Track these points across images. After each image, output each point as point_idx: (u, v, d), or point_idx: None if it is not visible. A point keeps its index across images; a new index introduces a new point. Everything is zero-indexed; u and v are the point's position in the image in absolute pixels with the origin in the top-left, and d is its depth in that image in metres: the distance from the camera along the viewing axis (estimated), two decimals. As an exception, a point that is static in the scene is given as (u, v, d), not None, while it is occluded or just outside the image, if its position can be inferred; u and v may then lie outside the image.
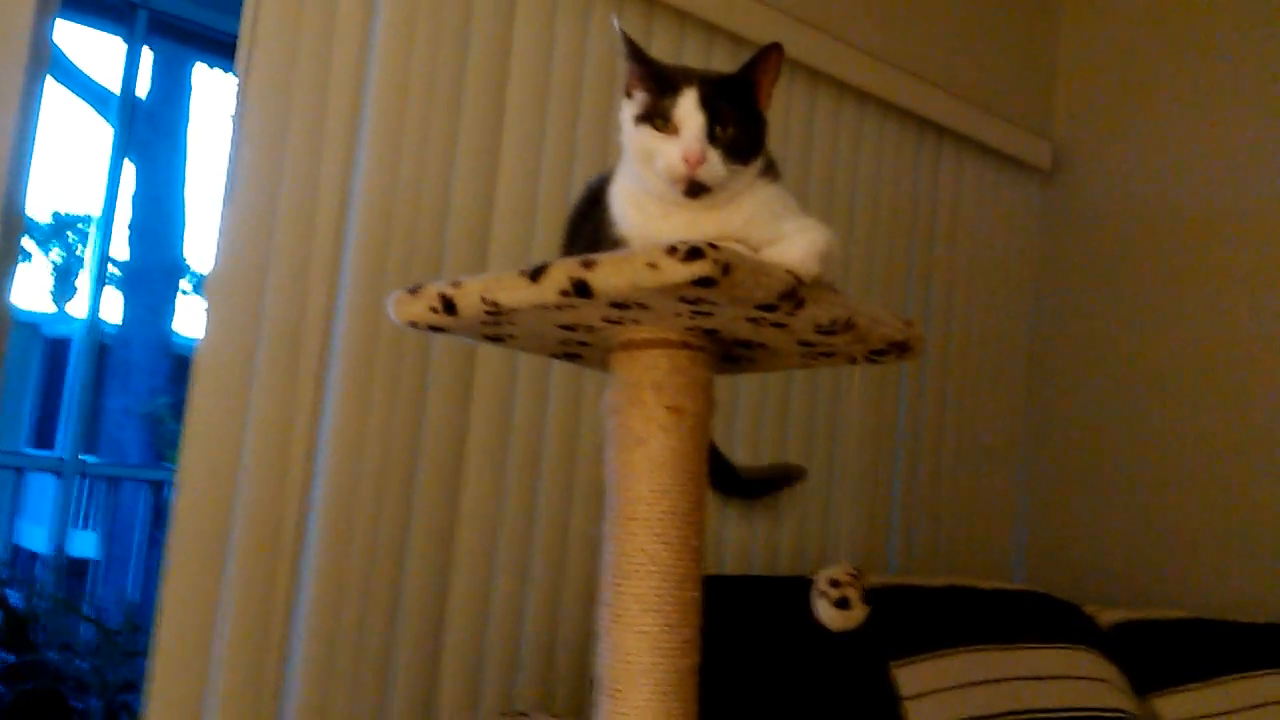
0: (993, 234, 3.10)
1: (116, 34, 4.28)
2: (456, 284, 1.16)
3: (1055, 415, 3.14)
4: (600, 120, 2.18)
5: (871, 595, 1.23)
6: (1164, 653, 2.30)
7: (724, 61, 2.41)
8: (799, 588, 1.86)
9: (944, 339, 2.93)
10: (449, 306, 1.16)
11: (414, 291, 1.20)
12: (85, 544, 5.99)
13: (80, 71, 6.91)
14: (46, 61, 1.77)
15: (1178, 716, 2.16)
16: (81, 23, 4.42)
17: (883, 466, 2.75)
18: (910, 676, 1.87)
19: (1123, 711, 2.09)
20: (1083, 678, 2.08)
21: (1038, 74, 3.30)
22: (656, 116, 1.07)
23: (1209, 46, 3.01)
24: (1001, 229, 3.13)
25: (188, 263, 7.38)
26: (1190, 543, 2.81)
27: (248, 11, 1.83)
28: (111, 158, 4.30)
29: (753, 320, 1.12)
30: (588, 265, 1.04)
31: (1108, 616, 2.35)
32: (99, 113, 6.93)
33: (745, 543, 2.41)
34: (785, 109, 2.55)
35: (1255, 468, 2.75)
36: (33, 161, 1.75)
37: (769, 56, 1.10)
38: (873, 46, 2.75)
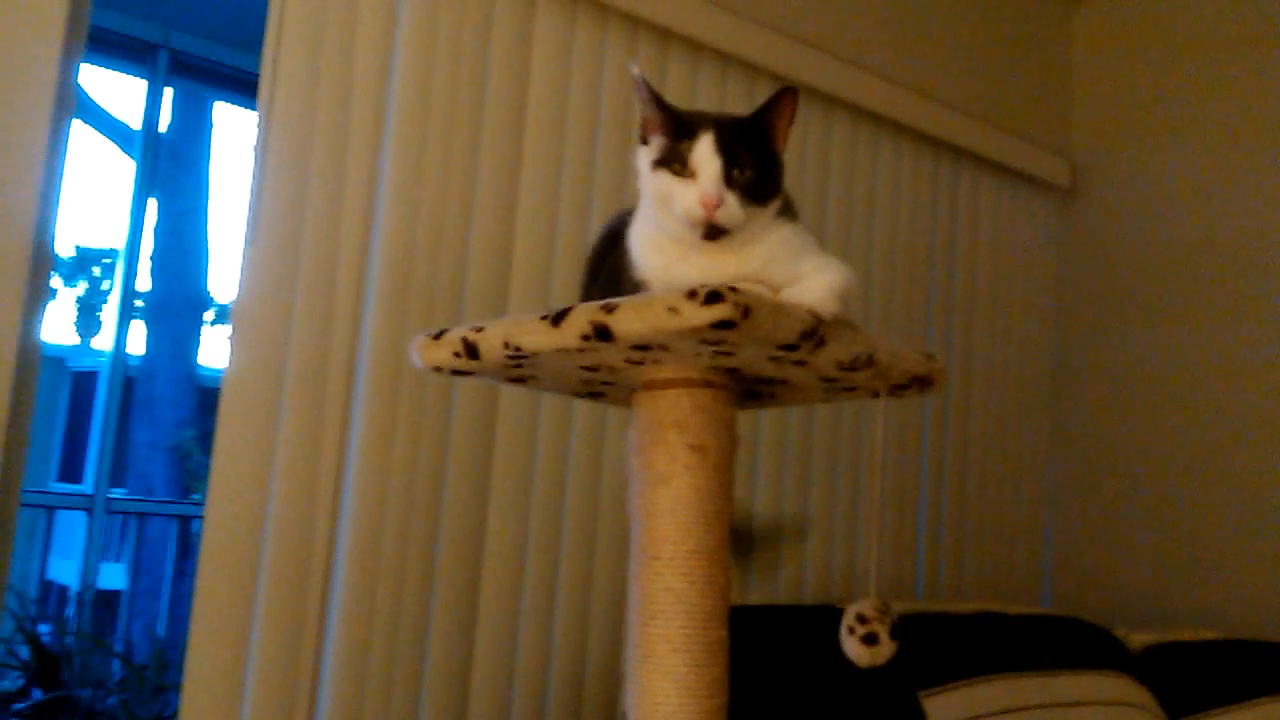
0: (1013, 254, 3.09)
1: (138, 75, 4.33)
2: (478, 329, 1.17)
3: (1080, 437, 3.12)
4: (616, 161, 2.19)
5: (900, 628, 1.23)
6: (1196, 675, 2.28)
7: (738, 89, 2.42)
8: (826, 617, 1.86)
9: (966, 362, 2.92)
10: (471, 351, 1.17)
11: (437, 337, 1.21)
12: (114, 577, 6.02)
13: (103, 110, 6.99)
14: (73, 105, 1.79)
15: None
16: (104, 65, 4.48)
17: (908, 493, 2.74)
18: (940, 706, 1.86)
19: (1156, 736, 2.08)
20: (1114, 703, 2.07)
21: (1054, 92, 3.30)
22: (674, 161, 1.08)
23: (1228, 61, 3.00)
24: (1021, 249, 3.12)
25: (211, 296, 7.44)
26: (1219, 563, 2.79)
27: (269, 50, 1.85)
28: (134, 193, 4.34)
29: (774, 359, 1.12)
30: (608, 310, 1.05)
31: (1138, 639, 2.33)
32: (122, 149, 7.00)
33: (771, 571, 2.41)
34: (802, 135, 2.56)
35: (1284, 486, 2.73)
36: (60, 201, 1.78)
37: (784, 99, 1.11)
38: (887, 69, 2.76)
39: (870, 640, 1.21)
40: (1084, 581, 3.01)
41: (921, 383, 1.23)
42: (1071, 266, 3.21)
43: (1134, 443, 3.01)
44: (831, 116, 2.65)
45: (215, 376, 1.84)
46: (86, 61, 1.89)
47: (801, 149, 2.56)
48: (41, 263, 1.73)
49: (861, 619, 1.21)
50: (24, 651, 3.56)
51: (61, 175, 1.78)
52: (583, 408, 2.11)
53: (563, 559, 2.10)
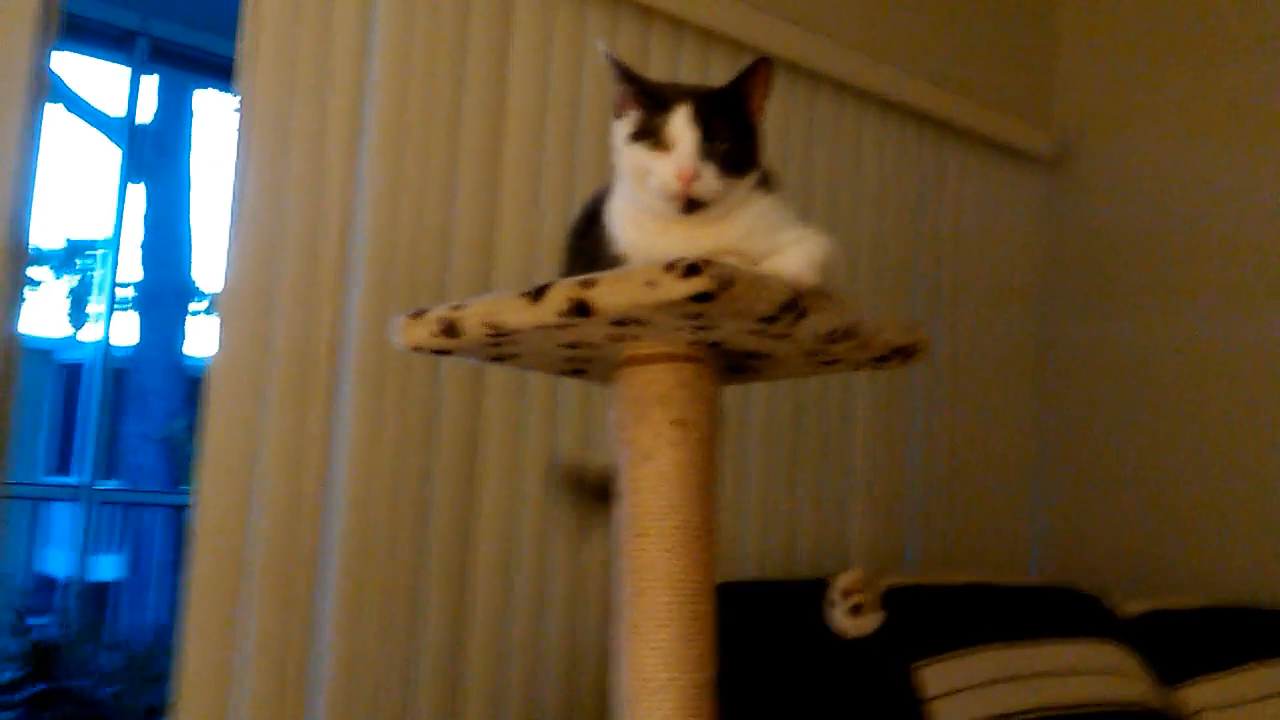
0: (998, 227, 3.08)
1: (119, 62, 4.30)
2: (458, 307, 1.16)
3: (1067, 407, 3.12)
4: (598, 137, 2.17)
5: (889, 598, 1.23)
6: (1187, 642, 2.28)
7: (721, 68, 2.41)
8: (816, 591, 1.86)
9: (953, 334, 2.92)
10: (451, 330, 1.16)
11: (416, 316, 1.20)
12: (107, 567, 6.02)
13: (84, 100, 6.95)
14: (46, 91, 1.78)
15: (1203, 705, 2.15)
16: (84, 52, 4.45)
17: (896, 464, 2.75)
18: (932, 677, 1.86)
19: (1148, 704, 2.08)
20: (1106, 671, 2.08)
21: (1036, 63, 3.29)
22: (649, 134, 1.07)
23: (1216, 30, 2.99)
24: (1006, 221, 3.11)
25: (198, 285, 7.42)
26: (1208, 530, 2.80)
27: (245, 35, 1.84)
28: (119, 182, 4.32)
29: (755, 332, 1.12)
30: (587, 285, 1.04)
31: (1129, 607, 2.34)
32: (109, 138, 6.97)
33: (762, 545, 2.41)
34: (785, 112, 2.55)
35: (1272, 453, 2.74)
36: (37, 189, 1.76)
37: (758, 69, 1.10)
38: (869, 43, 2.75)
39: (856, 611, 1.21)
40: (1074, 550, 3.02)
41: (905, 353, 1.23)
42: (1057, 239, 3.21)
43: (1121, 413, 3.01)
44: (815, 92, 2.64)
45: (204, 366, 1.83)
46: (66, 50, 1.88)
47: (785, 125, 2.55)
48: (18, 252, 1.71)
49: (846, 592, 1.21)
50: (18, 644, 3.56)
51: (36, 163, 1.76)
52: (569, 386, 2.11)
53: (553, 536, 2.09)
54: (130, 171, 4.96)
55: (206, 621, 1.76)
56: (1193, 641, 2.29)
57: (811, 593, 1.77)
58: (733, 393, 2.29)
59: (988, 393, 2.99)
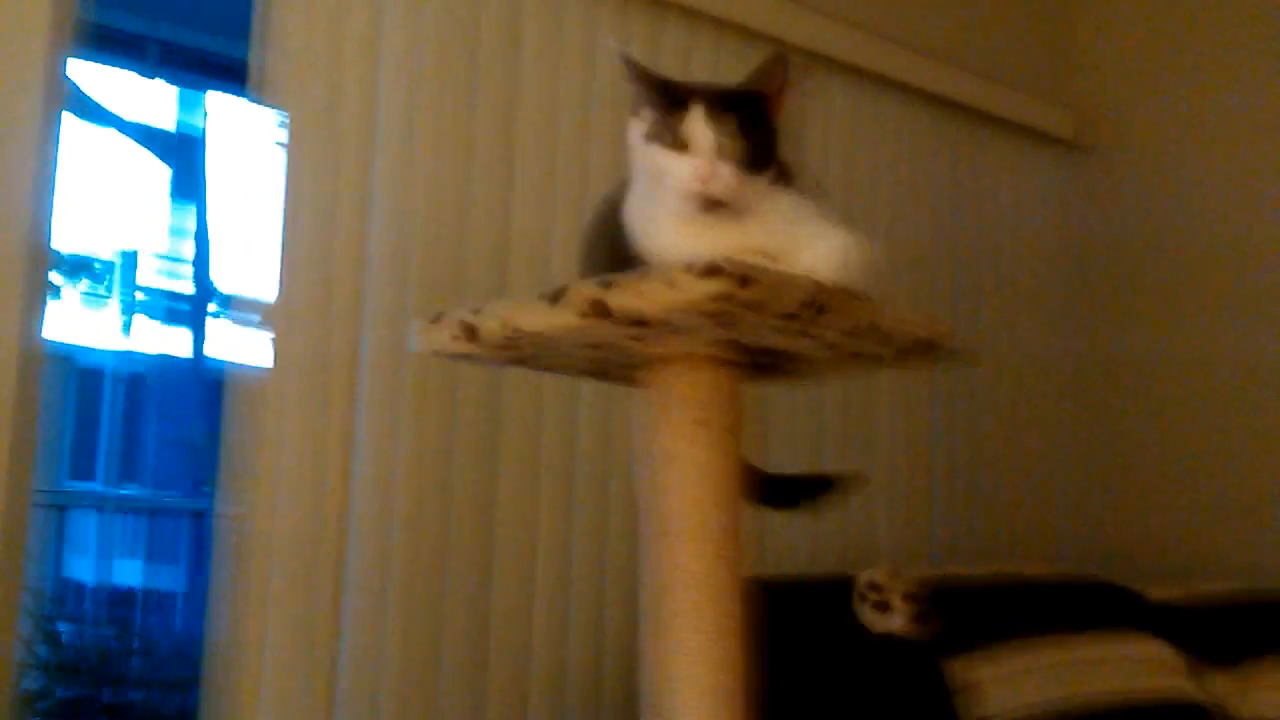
0: (1023, 214, 3.04)
1: (130, 68, 4.31)
2: (476, 311, 1.15)
3: (1098, 397, 3.09)
4: (612, 136, 2.16)
5: (914, 594, 1.22)
6: (1220, 629, 2.26)
7: (736, 59, 2.39)
8: (846, 586, 1.85)
9: (979, 324, 2.88)
10: (470, 333, 1.16)
11: (435, 320, 1.20)
12: (130, 574, 6.03)
13: (98, 104, 6.96)
14: (64, 98, 1.79)
15: (1238, 695, 2.13)
16: (94, 60, 4.46)
17: (922, 457, 2.73)
18: (965, 671, 1.84)
19: (1184, 694, 2.06)
20: (1141, 663, 2.06)
21: (1060, 47, 3.24)
22: (665, 133, 1.06)
23: (1241, 7, 2.94)
24: (1032, 208, 3.07)
25: (218, 290, 7.43)
26: (1241, 520, 2.76)
27: (257, 43, 1.85)
28: (146, 191, 4.33)
29: (777, 330, 1.10)
30: (606, 286, 1.03)
31: (1160, 595, 2.31)
32: (145, 147, 6.99)
33: (787, 539, 2.40)
34: (802, 101, 2.52)
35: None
36: (56, 196, 1.77)
37: (775, 65, 1.09)
38: (887, 30, 2.72)
39: (883, 607, 1.20)
40: (1104, 539, 2.99)
41: (928, 347, 1.21)
42: (1084, 226, 3.16)
43: (1151, 403, 2.98)
44: (830, 81, 2.62)
45: (224, 371, 1.84)
46: (84, 59, 1.89)
47: (803, 116, 2.52)
48: (39, 258, 1.72)
49: (874, 586, 1.21)
50: (44, 651, 3.58)
51: (55, 169, 1.77)
52: (590, 385, 2.10)
53: (575, 538, 2.09)
54: (151, 177, 4.96)
55: (234, 625, 1.77)
56: (1225, 629, 2.26)
57: (842, 588, 1.76)
58: (753, 389, 2.27)
59: (1016, 384, 2.96)
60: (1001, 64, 3.03)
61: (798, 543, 2.42)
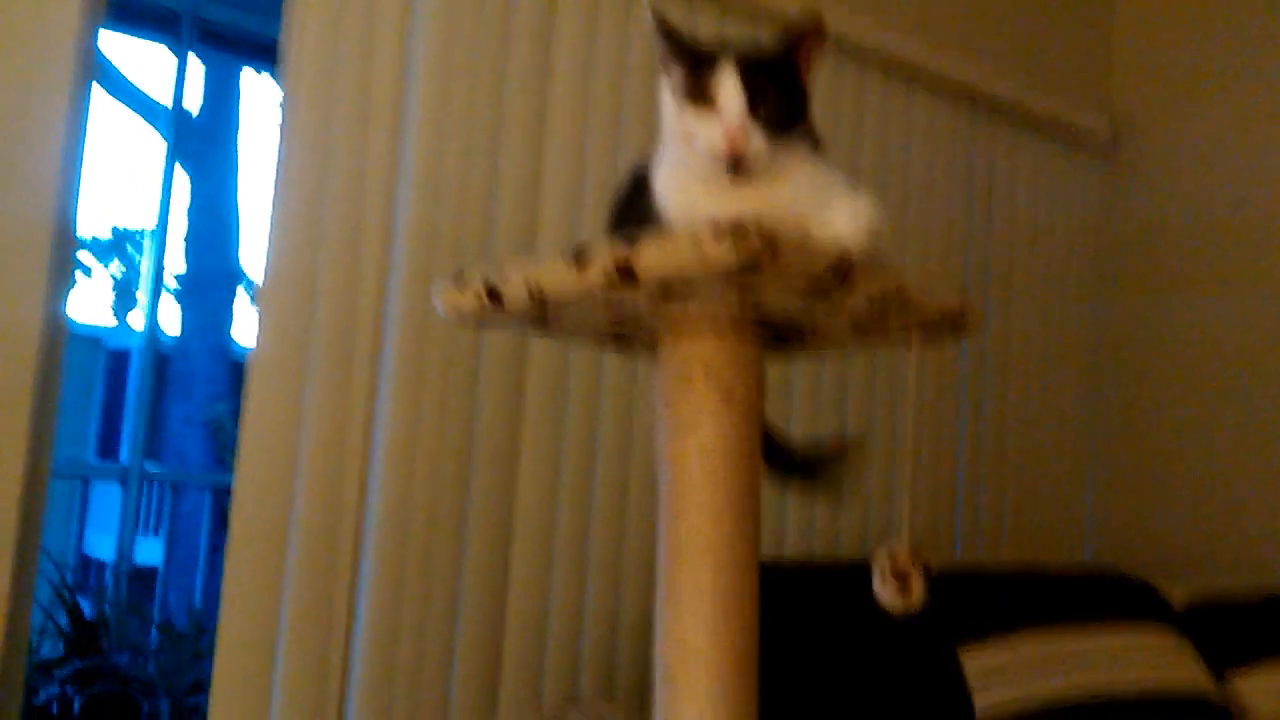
0: (1053, 210, 3.03)
1: (163, 43, 4.33)
2: (501, 272, 1.15)
3: (1122, 390, 3.07)
4: (644, 103, 2.16)
5: (932, 573, 1.21)
6: (1239, 629, 2.24)
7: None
8: (860, 573, 1.84)
9: (1005, 317, 2.87)
10: (494, 296, 1.15)
11: (459, 282, 1.19)
12: (151, 552, 6.09)
13: (134, 86, 7.00)
14: (93, 71, 1.78)
15: (1256, 693, 2.11)
16: (127, 32, 4.47)
17: (946, 449, 2.71)
18: (977, 659, 1.84)
19: (1198, 690, 2.04)
20: (1155, 657, 2.04)
21: (1093, 45, 3.23)
22: (696, 95, 1.05)
23: (1275, 6, 2.91)
24: (1061, 205, 3.05)
25: (244, 271, 7.48)
26: (1263, 516, 2.74)
27: (289, 16, 1.85)
28: (165, 169, 4.35)
29: (802, 299, 1.09)
30: (632, 247, 1.03)
31: (1180, 593, 2.30)
32: (152, 126, 7.02)
33: (806, 525, 2.39)
34: (834, 92, 2.51)
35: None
36: (84, 172, 1.77)
37: (809, 25, 1.08)
38: (920, 22, 2.71)
39: (902, 584, 1.18)
40: (1126, 534, 2.97)
41: (953, 321, 1.20)
42: (1113, 223, 3.15)
43: (1176, 397, 2.96)
44: (864, 72, 2.60)
45: (250, 349, 1.84)
46: (109, 28, 1.89)
47: (834, 107, 2.52)
48: (64, 237, 1.72)
49: (893, 562, 1.19)
50: (63, 621, 3.60)
51: (83, 145, 1.76)
52: (612, 358, 2.09)
53: (595, 508, 2.09)
54: (176, 157, 4.98)
55: (247, 599, 1.78)
56: (1245, 628, 2.25)
57: (855, 574, 1.75)
58: (778, 371, 2.27)
59: (1040, 377, 2.95)
60: (1038, 64, 3.02)
61: (819, 529, 2.41)
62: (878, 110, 2.63)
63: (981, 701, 1.79)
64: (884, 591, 1.20)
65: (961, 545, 2.72)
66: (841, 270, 1.03)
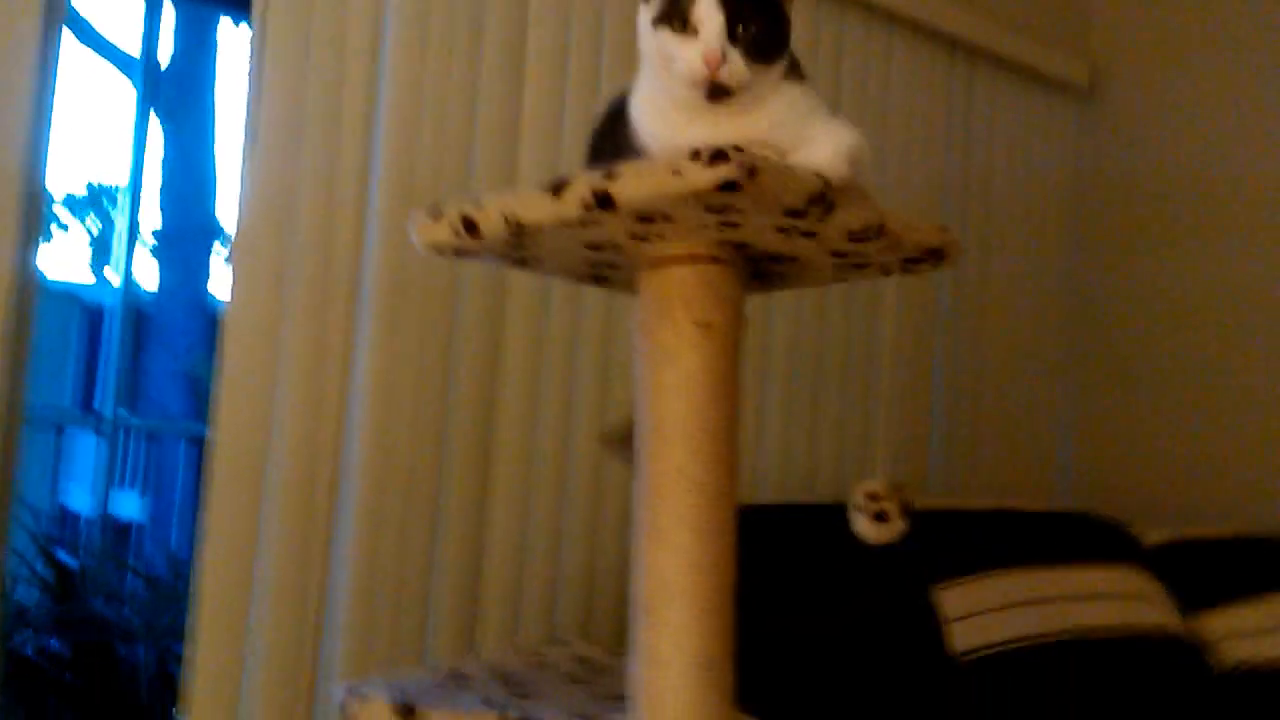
0: (1030, 156, 3.02)
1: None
2: (478, 203, 1.14)
3: (1099, 332, 3.08)
4: (623, 38, 2.13)
5: (911, 512, 1.21)
6: (1210, 570, 2.26)
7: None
8: (837, 514, 1.85)
9: (982, 262, 2.87)
10: (471, 228, 1.14)
11: (435, 215, 1.18)
12: (129, 505, 6.08)
13: (104, 38, 6.90)
14: (61, 18, 1.74)
15: (1223, 633, 2.13)
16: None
17: (921, 391, 2.72)
18: (952, 598, 1.85)
19: (1169, 629, 2.07)
20: (1128, 596, 2.06)
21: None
22: (674, 17, 1.03)
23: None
24: (1039, 151, 3.05)
25: (221, 224, 7.42)
26: (1238, 459, 2.77)
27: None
28: (136, 123, 4.30)
29: (782, 229, 1.09)
30: (609, 176, 1.02)
31: (1154, 535, 2.31)
32: (126, 76, 6.93)
33: (783, 469, 2.40)
34: (814, 35, 2.50)
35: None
36: (56, 126, 1.73)
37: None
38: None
39: (880, 518, 1.19)
40: (1102, 477, 2.99)
41: (935, 255, 1.19)
42: (1090, 170, 3.14)
43: (1152, 343, 2.97)
44: (844, 15, 2.58)
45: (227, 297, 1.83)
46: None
47: (811, 48, 2.50)
48: (34, 189, 1.69)
49: (872, 497, 1.20)
50: (41, 570, 3.60)
51: (53, 95, 1.72)
52: (592, 294, 2.08)
53: (574, 445, 2.09)
54: (151, 110, 4.92)
55: (225, 542, 1.77)
56: (1215, 570, 2.26)
57: (832, 515, 1.76)
58: (756, 315, 2.26)
59: (1017, 321, 2.95)
60: (1017, 9, 3.00)
61: (792, 472, 2.42)
62: (857, 54, 2.61)
63: (957, 639, 1.81)
64: (860, 523, 1.20)
65: (936, 486, 2.73)
66: (823, 199, 1.02)
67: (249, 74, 1.82)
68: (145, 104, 4.72)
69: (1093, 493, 2.95)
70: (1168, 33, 3.05)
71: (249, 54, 1.83)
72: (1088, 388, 3.09)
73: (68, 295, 9.38)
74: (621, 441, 1.26)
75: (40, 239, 1.72)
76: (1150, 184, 3.03)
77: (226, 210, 7.22)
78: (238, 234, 1.80)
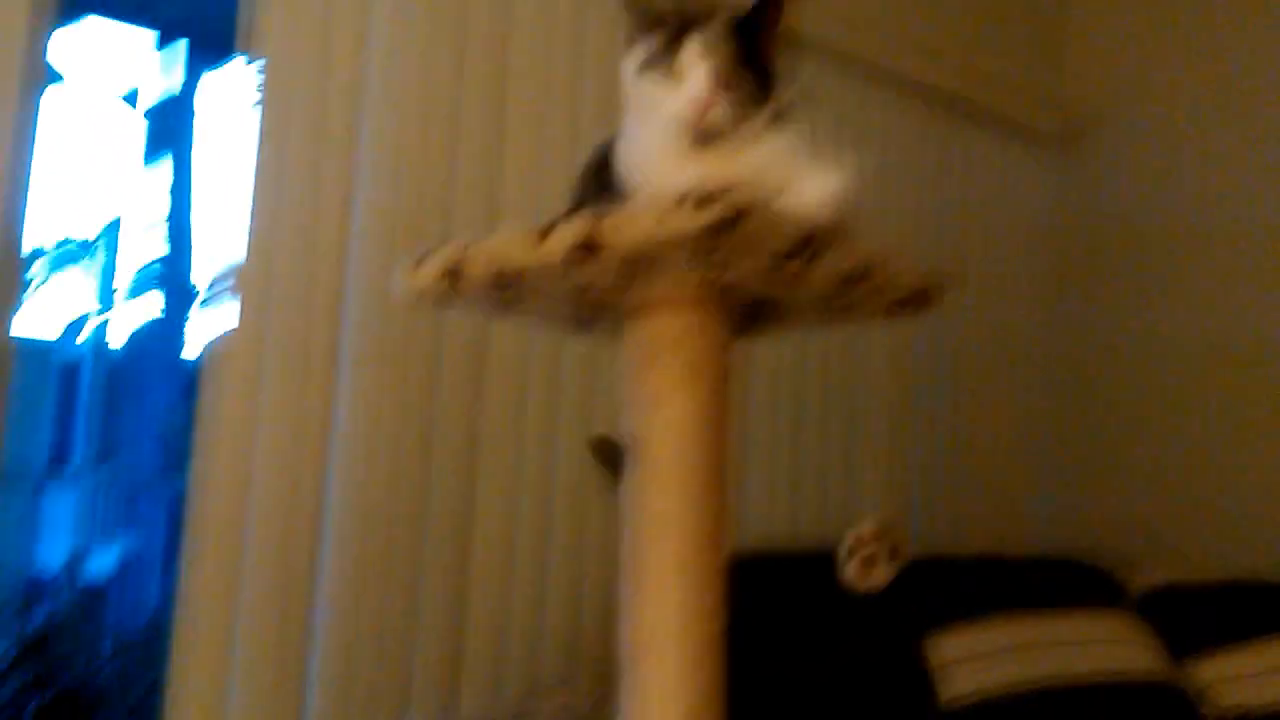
0: (1008, 205, 3.04)
1: (113, 20, 4.24)
2: (462, 248, 1.13)
3: (1080, 383, 3.09)
4: (606, 82, 2.14)
5: (900, 557, 1.20)
6: (1199, 616, 2.26)
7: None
8: (825, 562, 1.84)
9: (963, 313, 2.87)
10: (456, 274, 1.13)
11: (420, 262, 1.17)
12: (105, 562, 5.99)
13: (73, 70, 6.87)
14: (43, 78, 1.73)
15: (1214, 679, 2.12)
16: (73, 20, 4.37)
17: (904, 437, 2.72)
18: (941, 646, 1.83)
19: (1158, 675, 2.05)
20: (1116, 642, 2.05)
21: (1048, 41, 3.24)
22: (661, 62, 1.04)
23: (1230, 3, 2.94)
24: (1016, 202, 3.07)
25: (196, 281, 7.40)
26: (1222, 505, 2.77)
27: (244, 7, 1.82)
28: (113, 180, 4.28)
29: (770, 273, 1.08)
30: (597, 220, 1.01)
31: (1140, 580, 2.31)
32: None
33: (767, 516, 2.38)
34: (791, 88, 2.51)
35: (1284, 429, 2.71)
36: (32, 184, 1.72)
37: (780, -7, 1.07)
38: (876, 19, 2.71)
39: (869, 564, 1.18)
40: (1084, 525, 2.97)
41: (921, 298, 1.19)
42: (1068, 220, 3.16)
43: (1133, 390, 2.99)
44: (822, 67, 2.60)
45: (206, 349, 1.82)
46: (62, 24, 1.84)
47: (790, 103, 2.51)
48: (10, 251, 1.68)
49: (860, 542, 1.18)
50: (16, 628, 3.55)
51: (32, 156, 1.71)
52: (572, 351, 2.08)
53: (557, 493, 2.07)
54: (138, 157, 4.91)
55: (204, 597, 1.75)
56: (1204, 615, 2.26)
57: (820, 564, 1.75)
58: (737, 360, 2.25)
59: (998, 370, 2.96)
60: (993, 61, 3.03)
61: (777, 520, 2.40)
62: (833, 102, 2.62)
63: (945, 688, 1.79)
64: (850, 570, 1.19)
65: (919, 536, 2.71)
66: (813, 244, 1.02)
67: (229, 123, 1.83)
68: (122, 159, 4.71)
69: (1076, 539, 2.94)
70: (1143, 82, 3.09)
71: (228, 104, 1.83)
72: (1069, 435, 3.09)
73: (41, 351, 9.31)
74: (608, 458, 1.25)
75: (18, 303, 1.71)
76: (1128, 231, 3.05)
77: (204, 261, 7.20)
78: (218, 283, 1.79)
